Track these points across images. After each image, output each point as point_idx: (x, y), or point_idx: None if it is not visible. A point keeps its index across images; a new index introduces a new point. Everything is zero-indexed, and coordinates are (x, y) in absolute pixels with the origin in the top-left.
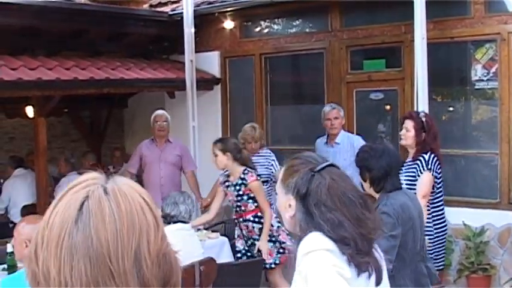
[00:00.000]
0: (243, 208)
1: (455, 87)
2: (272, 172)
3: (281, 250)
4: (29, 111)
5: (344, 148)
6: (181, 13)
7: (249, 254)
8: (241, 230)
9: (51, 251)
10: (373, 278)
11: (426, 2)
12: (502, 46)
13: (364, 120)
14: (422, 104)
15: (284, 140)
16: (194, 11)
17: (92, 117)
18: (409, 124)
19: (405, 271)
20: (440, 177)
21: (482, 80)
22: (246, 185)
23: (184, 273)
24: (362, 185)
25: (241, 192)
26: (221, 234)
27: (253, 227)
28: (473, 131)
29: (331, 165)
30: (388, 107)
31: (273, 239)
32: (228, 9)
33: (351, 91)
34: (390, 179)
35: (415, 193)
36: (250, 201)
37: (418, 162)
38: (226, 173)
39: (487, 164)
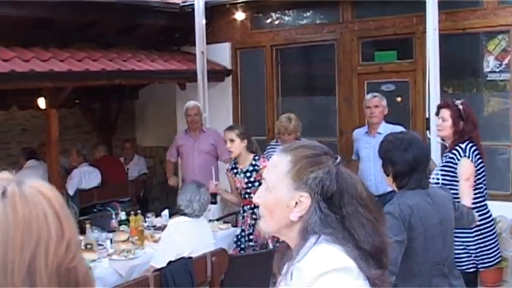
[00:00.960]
0: (252, 195)
1: (467, 78)
2: None
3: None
4: (41, 102)
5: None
6: (193, 4)
7: (251, 242)
8: (244, 217)
9: None
10: None
11: None
12: None
13: None
14: (434, 96)
15: None
16: (205, 2)
17: (103, 108)
18: (445, 113)
19: (412, 283)
20: (480, 169)
21: (495, 72)
22: (257, 171)
23: (196, 264)
24: None
25: (252, 179)
26: (232, 225)
27: (259, 214)
28: (485, 123)
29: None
30: (399, 98)
31: None
32: (239, 0)
33: (362, 82)
34: (416, 175)
35: (452, 188)
36: None
37: (456, 152)
38: (234, 160)
39: (499, 156)
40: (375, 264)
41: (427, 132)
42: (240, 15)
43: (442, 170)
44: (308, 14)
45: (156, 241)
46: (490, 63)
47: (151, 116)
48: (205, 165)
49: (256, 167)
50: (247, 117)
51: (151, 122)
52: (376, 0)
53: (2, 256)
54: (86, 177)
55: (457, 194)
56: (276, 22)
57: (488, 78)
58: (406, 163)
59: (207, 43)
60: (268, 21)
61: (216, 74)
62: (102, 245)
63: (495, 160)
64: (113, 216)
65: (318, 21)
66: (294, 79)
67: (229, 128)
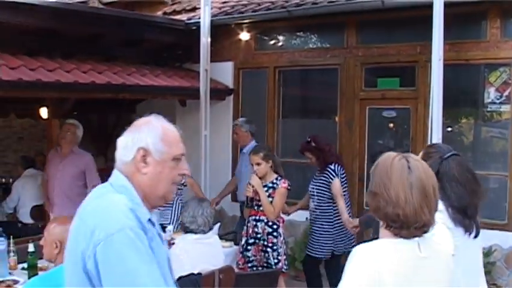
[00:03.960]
0: (261, 208)
1: (467, 108)
2: None
3: (275, 261)
4: (43, 112)
5: (245, 157)
6: (198, 22)
7: (249, 253)
8: (247, 227)
9: (398, 186)
10: (473, 234)
11: (444, 24)
12: None
13: (375, 137)
14: (436, 124)
15: (294, 153)
16: (211, 21)
17: (100, 121)
18: (307, 154)
19: None
20: (344, 182)
21: (495, 103)
22: (275, 189)
23: (204, 280)
24: None
25: (267, 194)
26: (234, 244)
27: (261, 228)
28: (483, 153)
29: (455, 154)
30: (400, 125)
31: (274, 247)
32: (245, 21)
33: (364, 108)
34: None
35: (326, 196)
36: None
37: (328, 173)
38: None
39: (496, 185)
40: (465, 216)
41: None
42: (244, 35)
43: (318, 186)
44: (313, 37)
45: None
46: (490, 94)
47: None
48: (66, 190)
49: (275, 185)
50: None
51: None
52: (381, 24)
53: (427, 183)
54: None
55: (329, 204)
56: (280, 44)
57: (488, 109)
58: None
59: (210, 61)
60: (273, 42)
61: (217, 93)
62: None
63: (492, 189)
64: None
65: (322, 45)
66: (296, 101)
67: (255, 152)
